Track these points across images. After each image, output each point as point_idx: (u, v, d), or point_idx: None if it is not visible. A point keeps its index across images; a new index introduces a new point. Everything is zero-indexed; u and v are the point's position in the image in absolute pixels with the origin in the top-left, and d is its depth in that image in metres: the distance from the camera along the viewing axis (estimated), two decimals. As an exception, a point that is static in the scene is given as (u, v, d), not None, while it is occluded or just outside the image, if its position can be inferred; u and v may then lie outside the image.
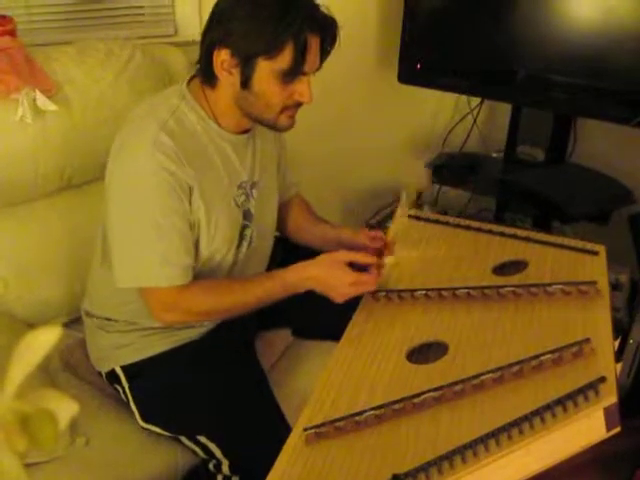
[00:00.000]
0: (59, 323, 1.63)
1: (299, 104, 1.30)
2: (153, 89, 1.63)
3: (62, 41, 1.76)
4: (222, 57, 1.23)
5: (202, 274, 1.35)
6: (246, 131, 1.39)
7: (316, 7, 1.24)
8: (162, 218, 1.25)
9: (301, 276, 1.33)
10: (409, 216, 1.62)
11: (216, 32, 1.24)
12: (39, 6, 1.83)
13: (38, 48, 1.63)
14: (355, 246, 1.44)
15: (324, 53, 1.28)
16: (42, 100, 1.49)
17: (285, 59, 1.21)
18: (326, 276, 1.31)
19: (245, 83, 1.25)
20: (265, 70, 1.23)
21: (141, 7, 1.97)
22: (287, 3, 1.20)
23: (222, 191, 1.34)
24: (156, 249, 1.26)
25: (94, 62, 1.63)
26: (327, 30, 1.26)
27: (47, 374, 1.46)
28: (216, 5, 1.26)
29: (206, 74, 1.29)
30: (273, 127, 1.34)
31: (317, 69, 1.29)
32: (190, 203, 1.28)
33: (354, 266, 1.33)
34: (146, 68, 1.70)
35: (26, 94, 1.47)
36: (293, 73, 1.24)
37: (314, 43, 1.23)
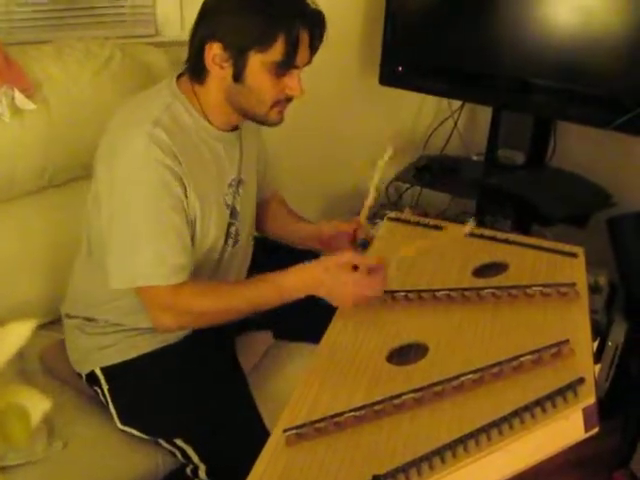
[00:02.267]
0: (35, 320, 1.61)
1: (289, 99, 1.30)
2: (133, 89, 1.62)
3: (41, 40, 1.74)
4: (214, 51, 1.22)
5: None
6: (235, 128, 1.39)
7: (305, 1, 1.25)
8: (159, 215, 1.24)
9: (302, 278, 1.26)
10: (389, 218, 1.62)
11: (207, 27, 1.23)
12: (18, 5, 1.82)
13: (17, 47, 1.62)
14: (339, 236, 1.47)
15: (313, 48, 1.28)
16: (20, 99, 1.48)
17: (277, 51, 1.21)
18: (332, 280, 1.24)
19: (237, 77, 1.25)
20: (257, 63, 1.23)
21: (122, 7, 1.96)
22: None
23: (213, 189, 1.34)
24: (152, 248, 1.24)
25: (73, 61, 1.62)
26: (316, 25, 1.26)
27: (24, 376, 1.44)
28: (205, 1, 1.26)
29: (196, 70, 1.28)
30: (263, 122, 1.33)
31: (307, 63, 1.29)
32: (187, 199, 1.27)
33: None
34: (126, 68, 1.68)
35: (4, 93, 1.46)
36: (285, 65, 1.23)
37: (304, 37, 1.23)
